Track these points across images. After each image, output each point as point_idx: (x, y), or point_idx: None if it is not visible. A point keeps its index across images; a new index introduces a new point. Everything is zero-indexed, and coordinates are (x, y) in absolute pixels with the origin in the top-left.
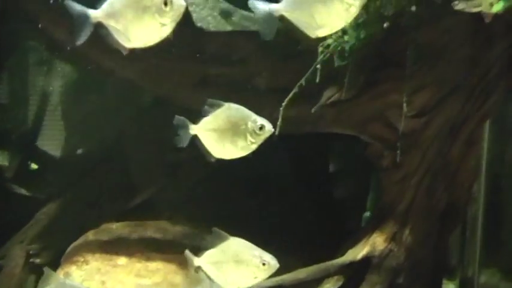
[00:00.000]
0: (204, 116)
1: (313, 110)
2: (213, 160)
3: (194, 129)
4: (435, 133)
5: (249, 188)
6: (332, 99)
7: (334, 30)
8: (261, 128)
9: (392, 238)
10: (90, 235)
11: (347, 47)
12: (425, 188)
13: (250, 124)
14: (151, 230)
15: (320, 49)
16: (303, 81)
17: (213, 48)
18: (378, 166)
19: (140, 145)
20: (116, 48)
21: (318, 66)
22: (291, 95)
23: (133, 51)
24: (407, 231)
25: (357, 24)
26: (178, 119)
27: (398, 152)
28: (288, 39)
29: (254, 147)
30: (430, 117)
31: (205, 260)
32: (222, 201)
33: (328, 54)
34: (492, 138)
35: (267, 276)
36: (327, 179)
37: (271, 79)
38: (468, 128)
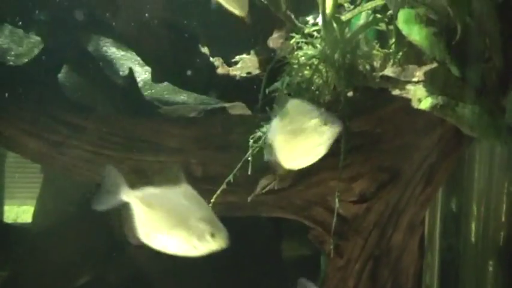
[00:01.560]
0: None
1: (249, 199)
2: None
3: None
4: (376, 219)
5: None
6: (267, 188)
7: None
8: (325, 124)
9: None
10: None
11: None
12: (368, 274)
13: (313, 122)
14: None
15: (250, 142)
16: (235, 171)
17: (149, 135)
18: (321, 251)
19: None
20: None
21: (250, 158)
22: (224, 184)
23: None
24: None
25: None
26: None
27: (331, 240)
28: (222, 130)
29: (322, 149)
30: (371, 204)
31: None
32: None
33: (257, 148)
34: (446, 209)
35: None
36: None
37: (207, 167)
38: (410, 212)
